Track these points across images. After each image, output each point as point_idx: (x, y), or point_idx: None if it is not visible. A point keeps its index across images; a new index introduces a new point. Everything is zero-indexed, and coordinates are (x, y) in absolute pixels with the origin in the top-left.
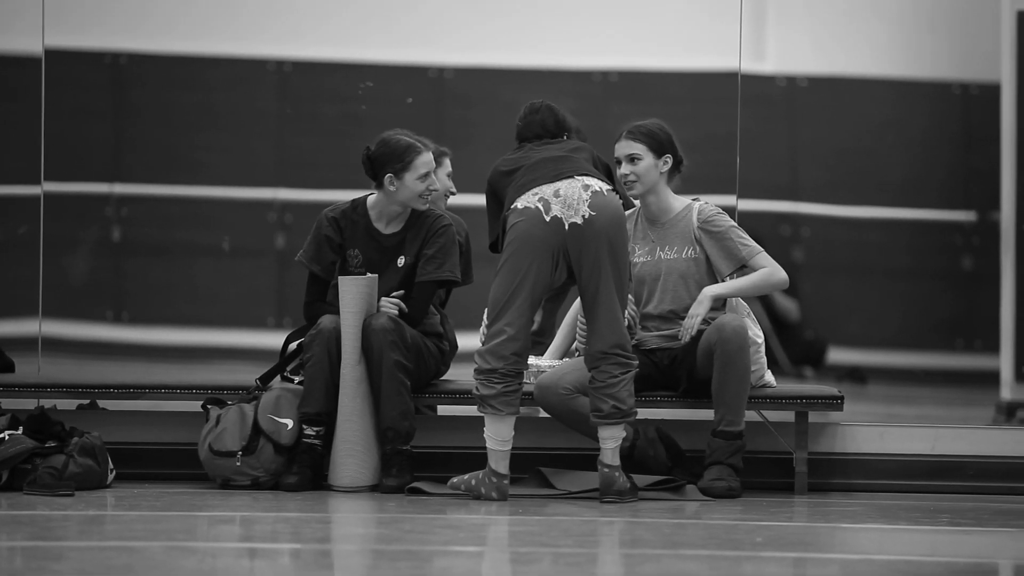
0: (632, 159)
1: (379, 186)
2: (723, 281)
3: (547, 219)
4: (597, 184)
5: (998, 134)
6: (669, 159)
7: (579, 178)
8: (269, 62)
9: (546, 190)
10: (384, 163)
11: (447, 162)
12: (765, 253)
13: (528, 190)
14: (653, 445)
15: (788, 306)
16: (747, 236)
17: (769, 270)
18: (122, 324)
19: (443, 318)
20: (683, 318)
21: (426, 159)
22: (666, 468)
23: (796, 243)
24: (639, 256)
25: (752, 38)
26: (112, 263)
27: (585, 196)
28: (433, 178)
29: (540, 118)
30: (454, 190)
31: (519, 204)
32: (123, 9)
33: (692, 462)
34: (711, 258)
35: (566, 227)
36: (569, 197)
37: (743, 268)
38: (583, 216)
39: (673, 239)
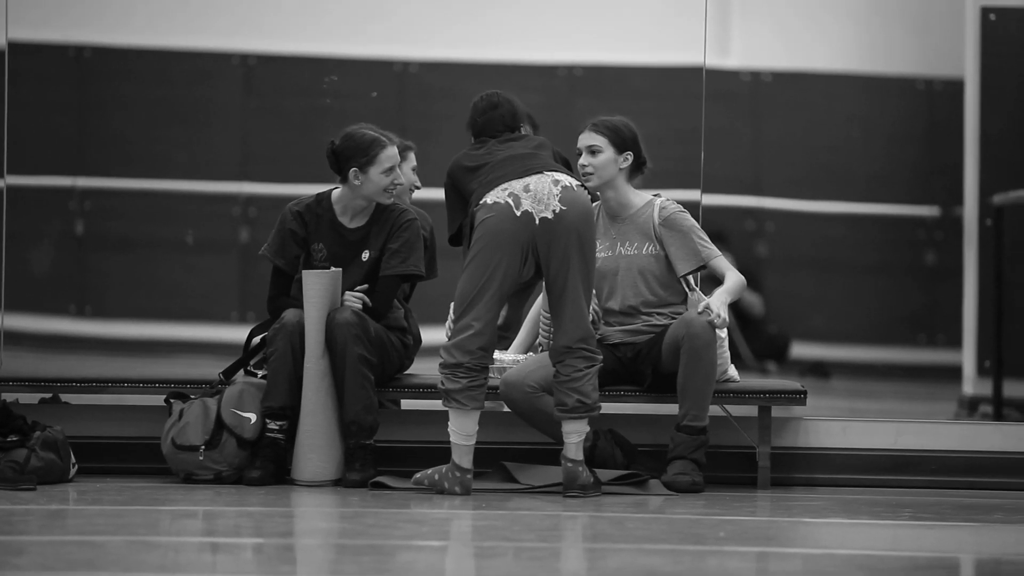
0: (592, 151)
1: (344, 180)
2: (680, 278)
3: (517, 214)
4: (567, 179)
5: (961, 130)
6: (630, 156)
7: (548, 173)
8: (234, 56)
9: (516, 185)
10: (349, 157)
11: (412, 156)
12: (723, 256)
13: (497, 185)
14: (612, 446)
15: (752, 301)
16: (707, 237)
17: (740, 276)
18: (85, 318)
19: (407, 312)
20: (645, 314)
21: (391, 153)
22: (624, 468)
23: (760, 238)
24: (599, 251)
25: (717, 33)
26: (75, 257)
27: (555, 191)
28: (398, 172)
29: (500, 113)
30: (419, 184)
31: (488, 199)
32: (87, 2)
33: (647, 458)
34: (671, 256)
35: (536, 221)
36: (539, 192)
37: (700, 268)
38: (553, 211)
39: (633, 235)
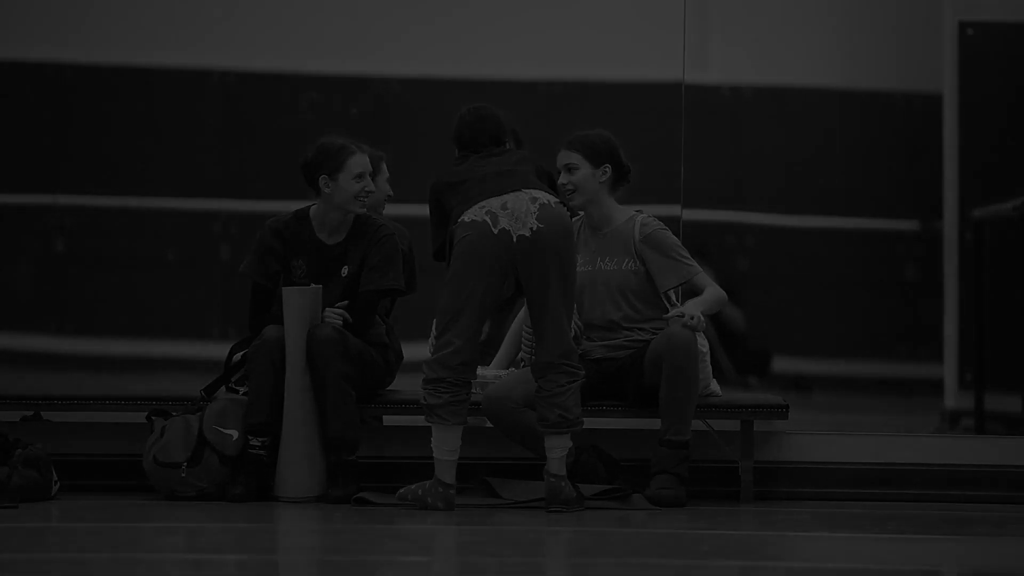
0: (569, 169)
1: (317, 193)
2: (663, 293)
3: (495, 232)
4: (545, 197)
5: (940, 144)
6: (608, 169)
7: (526, 191)
8: (213, 73)
9: (494, 203)
10: (319, 165)
11: (384, 167)
12: (704, 273)
13: (475, 203)
14: (594, 461)
15: (733, 315)
16: (688, 254)
17: (720, 291)
18: (66, 335)
19: (388, 328)
20: (626, 329)
21: (359, 160)
22: (607, 483)
23: (741, 253)
24: (580, 265)
25: (696, 48)
26: (56, 274)
27: (533, 209)
28: (368, 180)
29: (487, 127)
30: (391, 192)
31: (466, 217)
32: (66, 20)
33: (630, 472)
34: (653, 272)
35: (514, 239)
36: (517, 210)
37: (681, 285)
38: (531, 228)
39: (614, 250)
